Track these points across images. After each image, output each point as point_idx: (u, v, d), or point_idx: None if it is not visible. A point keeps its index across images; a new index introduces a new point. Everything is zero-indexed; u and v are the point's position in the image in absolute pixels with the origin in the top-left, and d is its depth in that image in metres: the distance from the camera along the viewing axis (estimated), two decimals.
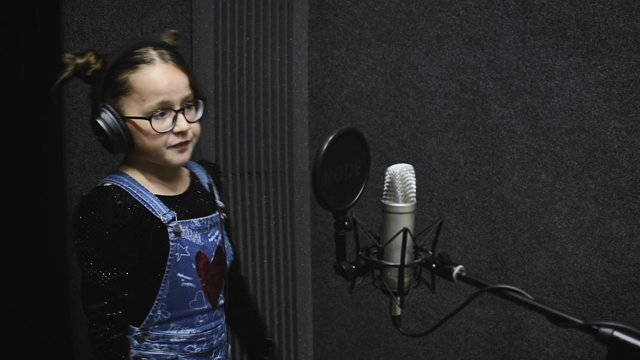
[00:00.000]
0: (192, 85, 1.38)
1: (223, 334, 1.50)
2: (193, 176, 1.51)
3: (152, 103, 1.31)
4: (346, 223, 1.07)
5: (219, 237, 1.47)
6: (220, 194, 1.55)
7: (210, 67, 2.22)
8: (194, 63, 2.21)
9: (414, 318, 2.34)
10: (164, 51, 1.36)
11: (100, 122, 1.31)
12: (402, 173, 1.03)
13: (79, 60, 1.35)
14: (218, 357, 1.49)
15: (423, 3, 2.21)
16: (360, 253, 1.05)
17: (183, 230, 1.37)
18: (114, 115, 1.32)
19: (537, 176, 2.18)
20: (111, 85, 1.33)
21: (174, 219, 1.36)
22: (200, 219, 1.42)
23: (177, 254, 1.36)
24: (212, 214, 1.45)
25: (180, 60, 1.39)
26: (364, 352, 2.41)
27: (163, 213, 1.36)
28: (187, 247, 1.38)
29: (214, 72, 2.22)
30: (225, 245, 1.49)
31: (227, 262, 1.50)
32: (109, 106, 1.33)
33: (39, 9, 2.18)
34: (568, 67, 2.11)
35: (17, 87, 2.19)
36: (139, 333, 1.37)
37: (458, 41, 2.19)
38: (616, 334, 0.78)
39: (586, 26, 2.07)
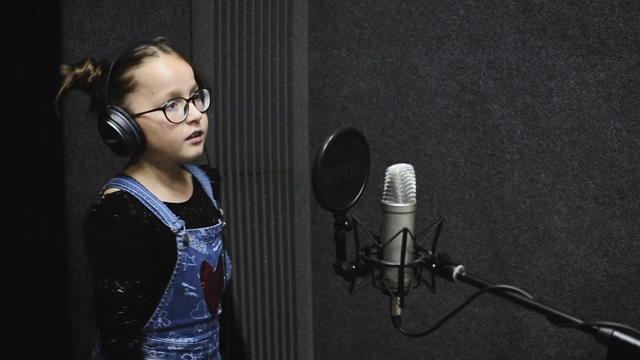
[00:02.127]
0: (196, 75, 1.37)
1: (217, 343, 1.49)
2: (195, 181, 1.48)
3: (162, 94, 1.29)
4: (346, 223, 1.07)
5: (221, 247, 1.45)
6: (219, 201, 1.52)
7: (210, 67, 2.22)
8: (194, 63, 2.21)
9: (414, 318, 2.34)
10: (163, 45, 1.34)
11: (111, 124, 1.27)
12: (402, 173, 1.03)
13: (78, 70, 1.32)
14: None
15: (423, 3, 2.21)
16: (360, 253, 1.05)
17: (191, 239, 1.35)
18: (124, 115, 1.28)
19: (537, 176, 2.18)
20: (116, 86, 1.30)
21: (182, 228, 1.34)
22: (207, 228, 1.39)
23: (184, 263, 1.34)
24: (215, 223, 1.43)
25: (181, 51, 1.37)
26: (364, 352, 2.41)
27: (172, 222, 1.33)
28: (194, 256, 1.35)
29: (214, 72, 2.22)
30: (224, 255, 1.47)
31: (228, 272, 1.48)
32: (116, 107, 1.29)
33: (39, 9, 2.18)
34: (568, 67, 2.11)
35: (17, 87, 2.19)
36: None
37: (458, 41, 2.19)
38: (616, 334, 0.78)
39: (586, 26, 2.07)
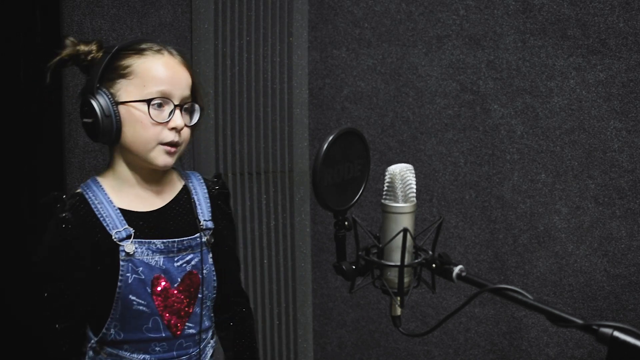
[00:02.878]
0: (193, 89, 1.34)
1: None
2: (185, 190, 1.40)
3: (152, 89, 1.26)
4: (346, 223, 1.07)
5: (193, 262, 1.34)
6: (219, 214, 1.42)
7: (210, 67, 2.22)
8: (194, 63, 2.21)
9: (414, 318, 2.34)
10: (172, 49, 1.33)
11: (93, 102, 1.25)
12: (402, 173, 1.02)
13: (83, 47, 1.31)
14: None
15: (423, 3, 2.21)
16: (360, 253, 1.05)
17: (139, 250, 1.28)
18: (108, 97, 1.26)
19: (537, 176, 2.18)
20: (111, 69, 1.28)
21: (128, 237, 1.28)
22: (165, 240, 1.31)
23: (128, 274, 1.28)
24: (188, 235, 1.34)
25: (187, 60, 1.36)
26: (364, 352, 2.41)
27: (117, 230, 1.27)
28: (141, 268, 1.29)
29: (214, 72, 2.22)
30: (205, 271, 1.36)
31: (203, 289, 1.36)
32: (104, 89, 1.27)
33: (39, 9, 2.18)
34: (568, 67, 2.11)
35: (17, 87, 2.19)
36: (95, 345, 1.33)
37: (458, 41, 2.19)
38: (616, 334, 0.78)
39: (586, 26, 2.07)
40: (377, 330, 2.38)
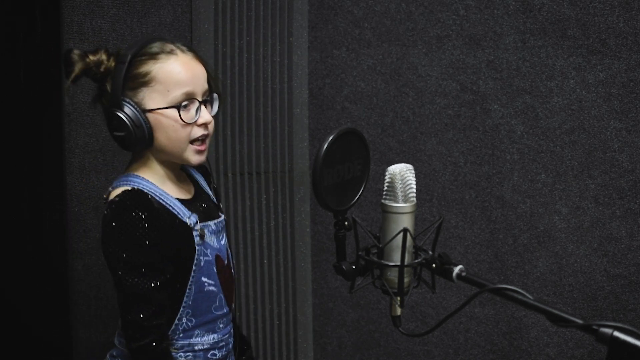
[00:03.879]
0: (209, 79, 1.37)
1: (232, 338, 1.48)
2: (193, 179, 1.48)
3: (177, 93, 1.28)
4: (346, 223, 1.07)
5: (224, 241, 1.44)
6: (216, 195, 1.52)
7: (210, 67, 2.22)
8: None
9: (414, 318, 2.34)
10: (181, 45, 1.34)
11: (122, 115, 1.26)
12: (402, 173, 1.03)
13: (91, 58, 1.31)
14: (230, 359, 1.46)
15: (423, 3, 2.21)
16: (360, 253, 1.05)
17: (206, 233, 1.35)
18: (135, 108, 1.27)
19: (537, 176, 2.18)
20: (130, 78, 1.29)
21: (197, 222, 1.33)
22: (215, 221, 1.40)
23: (201, 257, 1.33)
24: (219, 217, 1.43)
25: (198, 53, 1.37)
26: (364, 352, 2.41)
27: (187, 216, 1.32)
28: (209, 250, 1.35)
29: (214, 72, 2.22)
30: (231, 248, 1.48)
31: (233, 264, 1.48)
32: (128, 100, 1.28)
33: (39, 9, 2.18)
34: (568, 67, 2.11)
35: (17, 87, 2.19)
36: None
37: (458, 41, 2.19)
38: (616, 334, 0.78)
39: (586, 26, 2.07)
40: (377, 330, 2.38)
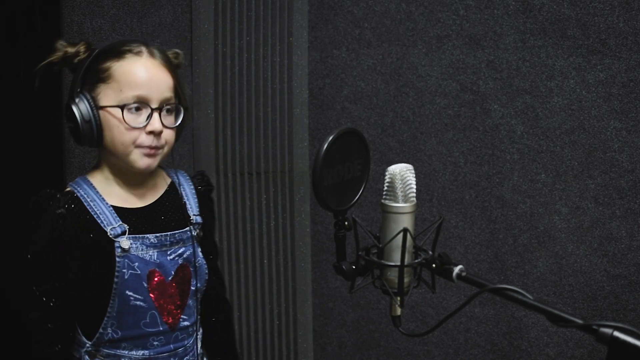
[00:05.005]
0: (177, 89, 1.33)
1: (187, 357, 1.40)
2: (172, 187, 1.42)
3: (128, 94, 1.25)
4: (346, 223, 1.07)
5: (185, 255, 1.36)
6: (204, 209, 1.45)
7: (210, 67, 2.22)
8: (194, 63, 2.21)
9: (414, 318, 2.34)
10: (155, 50, 1.31)
11: (73, 107, 1.26)
12: (402, 173, 1.02)
13: (70, 49, 1.31)
14: None
15: (423, 3, 2.21)
16: (360, 253, 1.05)
17: (134, 245, 1.29)
18: (89, 102, 1.26)
19: (537, 176, 2.18)
20: (92, 72, 1.28)
21: (123, 233, 1.28)
22: (158, 234, 1.32)
23: (124, 270, 1.28)
24: (178, 229, 1.36)
25: (169, 61, 1.33)
26: (364, 352, 2.41)
27: (112, 226, 1.28)
28: (137, 263, 1.29)
29: (214, 72, 2.22)
30: (197, 264, 1.38)
31: (195, 282, 1.38)
32: (86, 93, 1.27)
33: (39, 9, 2.18)
34: (568, 67, 2.11)
35: (17, 87, 2.19)
36: (91, 349, 1.32)
37: (458, 41, 2.19)
38: (616, 334, 0.78)
39: (586, 26, 2.07)
40: (377, 330, 2.38)
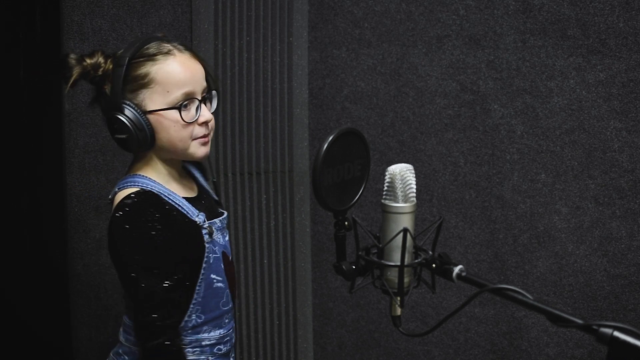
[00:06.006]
0: (206, 76, 1.37)
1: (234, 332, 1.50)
2: (194, 177, 1.49)
3: (177, 94, 1.28)
4: (346, 223, 1.07)
5: (227, 237, 1.46)
6: (214, 191, 1.54)
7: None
8: None
9: (414, 318, 2.34)
10: (176, 43, 1.34)
11: (123, 118, 1.26)
12: (402, 173, 1.03)
13: (89, 61, 1.31)
14: (232, 354, 1.48)
15: (423, 3, 2.21)
16: (360, 253, 1.05)
17: (214, 230, 1.36)
18: (136, 110, 1.27)
19: (537, 176, 2.18)
20: (129, 80, 1.29)
21: (205, 220, 1.34)
22: (220, 218, 1.41)
23: (210, 255, 1.34)
24: (222, 214, 1.45)
25: (194, 51, 1.37)
26: (364, 352, 2.41)
27: (195, 214, 1.33)
28: (217, 247, 1.37)
29: (214, 72, 2.22)
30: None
31: (234, 260, 1.51)
32: (128, 102, 1.28)
33: (39, 9, 2.18)
34: (568, 67, 2.11)
35: (17, 87, 2.19)
36: None
37: (458, 41, 2.19)
38: (616, 334, 0.78)
39: (586, 26, 2.07)
40: (377, 330, 2.38)
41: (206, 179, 1.54)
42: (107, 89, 1.32)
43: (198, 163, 1.55)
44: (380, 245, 1.04)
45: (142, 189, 1.29)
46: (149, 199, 1.27)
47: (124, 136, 1.28)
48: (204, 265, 1.33)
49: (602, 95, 2.08)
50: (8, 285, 2.24)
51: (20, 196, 2.26)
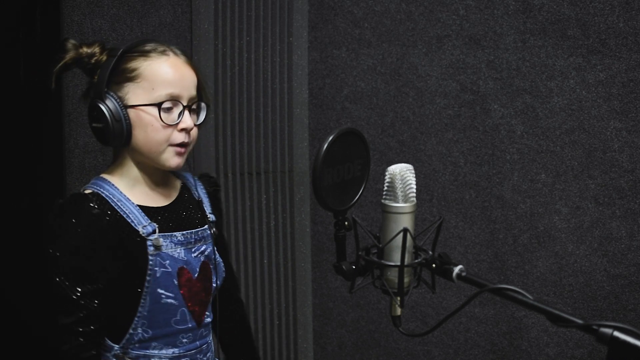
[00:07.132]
0: (199, 87, 1.35)
1: (209, 354, 1.43)
2: (184, 187, 1.44)
3: (161, 93, 1.26)
4: (346, 223, 1.07)
5: (206, 252, 1.39)
6: (215, 208, 1.47)
7: (210, 67, 2.22)
8: None
9: (414, 318, 2.34)
10: (176, 49, 1.33)
11: (102, 107, 1.25)
12: (402, 173, 1.02)
13: (85, 49, 1.30)
14: None
15: (423, 3, 2.21)
16: (360, 253, 1.05)
17: (164, 243, 1.30)
18: (117, 101, 1.26)
19: (537, 176, 2.18)
20: (118, 72, 1.28)
21: (154, 232, 1.29)
22: (184, 232, 1.34)
23: (156, 268, 1.29)
24: (199, 227, 1.38)
25: (191, 59, 1.36)
26: (364, 352, 2.41)
27: (143, 225, 1.29)
28: (167, 261, 1.31)
29: (214, 72, 2.22)
30: (216, 261, 1.41)
31: (216, 279, 1.42)
32: (112, 93, 1.27)
33: (39, 9, 2.18)
34: (568, 67, 2.11)
35: (17, 87, 2.19)
36: (119, 351, 1.31)
37: (458, 41, 2.19)
38: (616, 334, 0.78)
39: (586, 26, 2.07)
40: (377, 330, 2.38)
41: (210, 194, 1.48)
42: (96, 79, 1.31)
43: (210, 178, 1.51)
44: (380, 245, 1.04)
45: (92, 191, 1.29)
46: (77, 203, 1.26)
47: (100, 125, 1.27)
48: (147, 278, 1.28)
49: (602, 95, 2.08)
50: (8, 285, 2.24)
51: (20, 196, 2.26)
